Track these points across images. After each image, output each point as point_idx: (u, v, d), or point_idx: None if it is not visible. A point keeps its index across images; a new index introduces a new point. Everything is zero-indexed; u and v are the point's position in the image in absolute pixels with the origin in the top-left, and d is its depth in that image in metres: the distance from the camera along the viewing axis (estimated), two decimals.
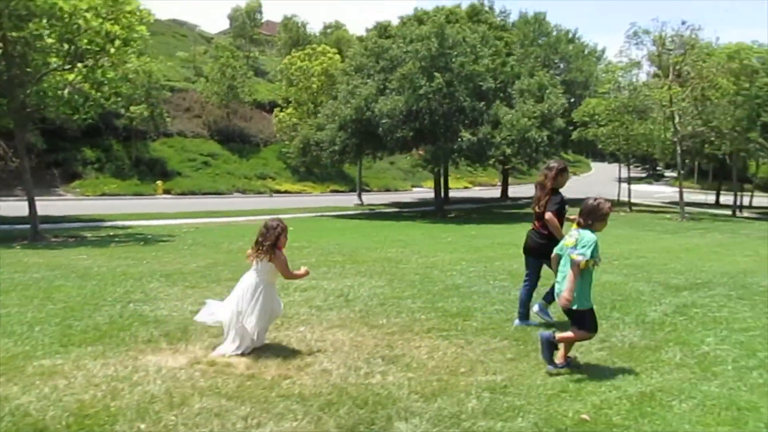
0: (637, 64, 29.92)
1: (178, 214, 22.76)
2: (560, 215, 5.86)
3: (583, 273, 4.51)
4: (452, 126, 24.31)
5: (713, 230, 21.99)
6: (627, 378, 4.42)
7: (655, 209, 32.40)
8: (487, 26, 29.99)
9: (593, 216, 4.56)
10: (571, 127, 32.82)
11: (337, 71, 31.43)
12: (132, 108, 32.67)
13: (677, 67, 27.48)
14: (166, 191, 34.04)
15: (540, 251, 5.96)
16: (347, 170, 44.11)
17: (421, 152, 27.93)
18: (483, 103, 24.88)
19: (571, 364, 4.65)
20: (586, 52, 36.81)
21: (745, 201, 40.77)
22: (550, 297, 5.89)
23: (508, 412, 3.76)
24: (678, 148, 27.41)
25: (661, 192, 45.53)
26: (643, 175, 71.06)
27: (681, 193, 27.50)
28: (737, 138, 28.46)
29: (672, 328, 5.92)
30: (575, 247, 4.50)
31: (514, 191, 46.16)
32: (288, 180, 41.73)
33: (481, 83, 24.81)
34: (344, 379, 4.29)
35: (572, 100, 33.53)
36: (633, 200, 33.08)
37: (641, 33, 28.74)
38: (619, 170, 39.14)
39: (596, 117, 31.10)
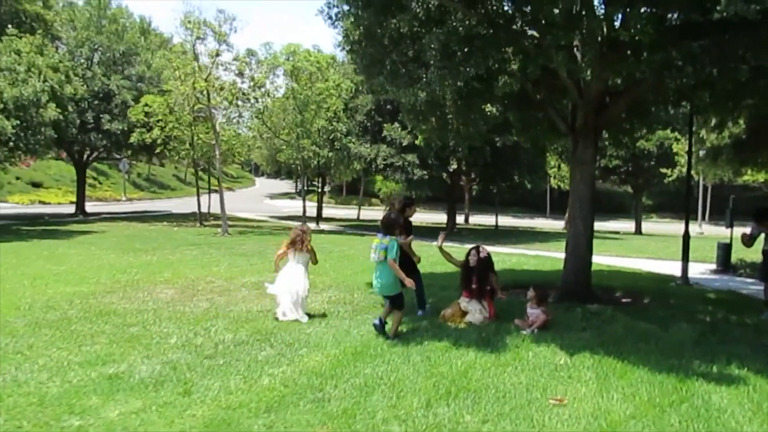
0: (195, 57, 26.00)
1: None
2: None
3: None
4: None
5: (228, 246, 18.31)
6: None
7: (241, 223, 28.96)
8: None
9: (391, 226, 6.55)
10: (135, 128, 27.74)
11: None
12: None
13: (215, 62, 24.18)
14: None
15: None
16: None
17: None
18: None
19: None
20: (168, 44, 32.17)
21: (368, 214, 40.64)
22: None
23: None
24: (217, 153, 23.95)
25: (292, 206, 43.68)
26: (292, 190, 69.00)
27: (222, 206, 23.98)
28: (293, 145, 26.12)
29: None
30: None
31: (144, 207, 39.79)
32: None
33: None
34: None
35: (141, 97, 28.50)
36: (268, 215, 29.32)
37: (203, 24, 24.96)
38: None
39: (154, 117, 26.47)
